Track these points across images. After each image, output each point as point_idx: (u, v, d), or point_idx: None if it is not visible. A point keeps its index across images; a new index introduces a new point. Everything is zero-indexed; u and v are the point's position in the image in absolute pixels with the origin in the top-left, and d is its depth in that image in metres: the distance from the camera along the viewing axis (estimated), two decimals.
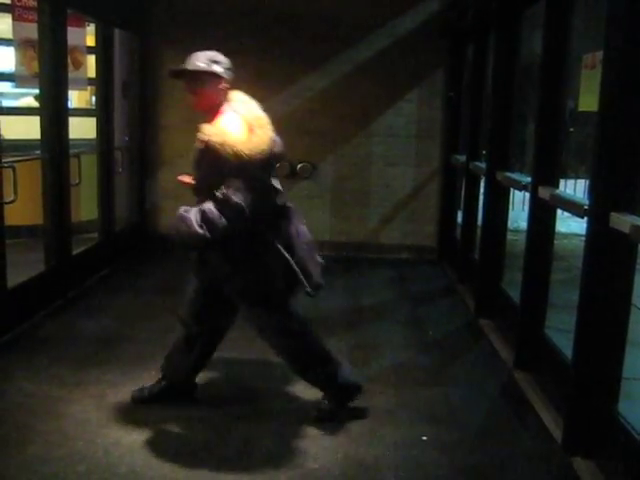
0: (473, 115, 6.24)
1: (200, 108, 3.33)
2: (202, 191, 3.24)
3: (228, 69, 3.34)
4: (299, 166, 7.27)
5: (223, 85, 3.31)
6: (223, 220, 3.10)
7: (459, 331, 5.15)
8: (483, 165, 5.59)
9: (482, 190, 5.96)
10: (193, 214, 3.13)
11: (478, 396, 3.96)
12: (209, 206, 3.11)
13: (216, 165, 3.13)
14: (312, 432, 3.43)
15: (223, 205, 3.09)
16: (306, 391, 3.76)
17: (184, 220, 3.13)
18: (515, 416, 3.73)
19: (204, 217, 3.10)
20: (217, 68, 3.29)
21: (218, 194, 3.10)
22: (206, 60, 3.30)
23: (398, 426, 3.53)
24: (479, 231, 5.79)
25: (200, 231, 3.10)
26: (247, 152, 3.09)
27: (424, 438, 3.41)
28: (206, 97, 3.30)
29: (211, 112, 3.30)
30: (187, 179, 3.35)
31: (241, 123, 3.19)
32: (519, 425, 3.62)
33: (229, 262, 3.31)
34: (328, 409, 3.57)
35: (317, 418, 3.54)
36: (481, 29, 5.94)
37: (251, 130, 3.19)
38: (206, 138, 3.17)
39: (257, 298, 3.41)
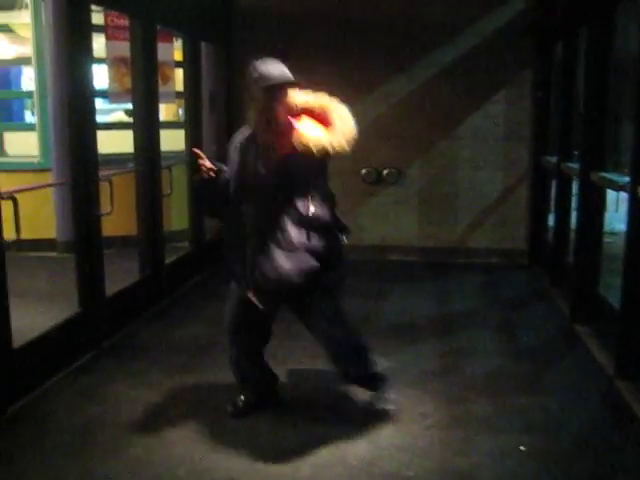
0: (564, 114, 6.06)
1: (283, 118, 3.28)
2: (275, 203, 3.22)
3: None
4: (385, 172, 7.24)
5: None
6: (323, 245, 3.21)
7: (554, 337, 4.98)
8: (576, 166, 5.41)
9: (574, 192, 5.79)
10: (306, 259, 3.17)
11: (577, 405, 3.82)
12: (315, 244, 3.19)
13: (308, 174, 3.19)
14: (405, 439, 3.40)
15: (317, 227, 3.20)
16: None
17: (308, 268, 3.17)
18: (617, 427, 3.58)
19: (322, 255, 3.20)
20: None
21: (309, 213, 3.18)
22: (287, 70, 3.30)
23: (494, 435, 3.45)
24: (572, 234, 5.62)
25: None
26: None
27: (522, 448, 3.32)
28: (287, 107, 3.29)
29: (286, 123, 3.27)
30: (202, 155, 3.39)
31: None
32: (622, 437, 3.46)
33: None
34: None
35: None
36: (571, 25, 5.76)
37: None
38: (320, 145, 3.15)
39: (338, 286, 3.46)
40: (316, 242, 3.21)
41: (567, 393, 3.98)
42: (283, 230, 3.19)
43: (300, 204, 3.21)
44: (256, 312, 3.41)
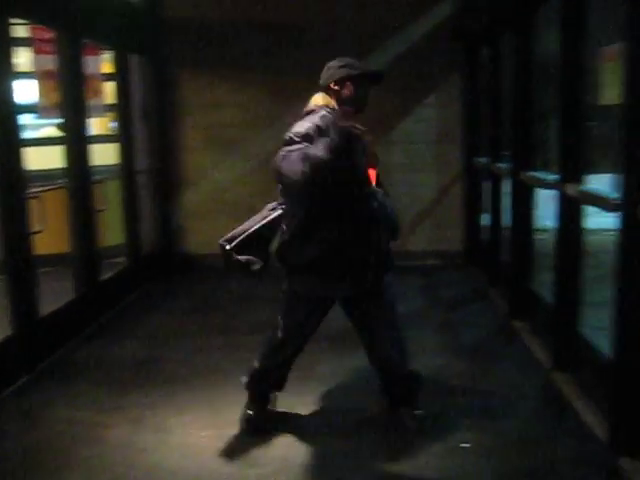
0: (492, 116, 6.20)
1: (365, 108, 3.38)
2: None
3: None
4: None
5: None
6: None
7: (493, 334, 5.09)
8: (506, 166, 5.54)
9: (506, 190, 5.92)
10: None
11: (517, 400, 3.90)
12: None
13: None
14: (348, 442, 3.40)
15: None
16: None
17: None
18: (557, 418, 3.67)
19: None
20: None
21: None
22: None
23: (438, 434, 3.49)
24: (505, 233, 5.75)
25: None
26: None
27: (465, 445, 3.37)
28: None
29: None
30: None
31: None
32: (561, 427, 3.55)
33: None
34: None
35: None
36: (496, 30, 5.91)
37: None
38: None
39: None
40: None
41: (507, 388, 4.07)
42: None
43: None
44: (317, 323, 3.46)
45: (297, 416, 3.74)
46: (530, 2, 4.76)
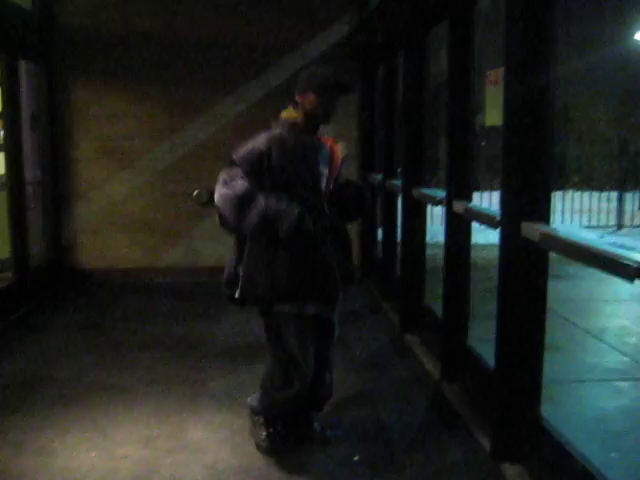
0: (387, 134, 6.36)
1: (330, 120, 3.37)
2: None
3: None
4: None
5: None
6: None
7: (385, 348, 5.18)
8: (399, 182, 5.68)
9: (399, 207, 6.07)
10: None
11: (407, 411, 3.99)
12: None
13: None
14: (242, 460, 3.38)
15: None
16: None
17: None
18: (444, 428, 3.77)
19: None
20: None
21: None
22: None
23: (330, 449, 3.51)
24: (399, 247, 5.88)
25: None
26: None
27: (355, 458, 3.41)
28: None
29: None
30: None
31: None
32: (448, 437, 3.66)
33: None
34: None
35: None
36: (390, 49, 6.07)
37: None
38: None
39: None
40: None
41: (398, 401, 4.15)
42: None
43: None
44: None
45: (189, 433, 3.67)
46: (421, 22, 4.92)
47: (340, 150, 3.37)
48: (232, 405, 4.00)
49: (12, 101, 6.13)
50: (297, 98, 3.26)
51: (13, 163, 6.12)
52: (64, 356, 4.95)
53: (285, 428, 3.51)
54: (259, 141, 3.19)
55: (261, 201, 3.07)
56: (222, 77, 7.11)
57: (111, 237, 7.30)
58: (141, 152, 7.22)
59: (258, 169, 3.13)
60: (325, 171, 3.29)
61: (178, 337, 5.36)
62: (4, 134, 6.28)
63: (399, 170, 6.10)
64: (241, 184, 3.10)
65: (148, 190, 7.24)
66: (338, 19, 7.26)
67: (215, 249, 7.26)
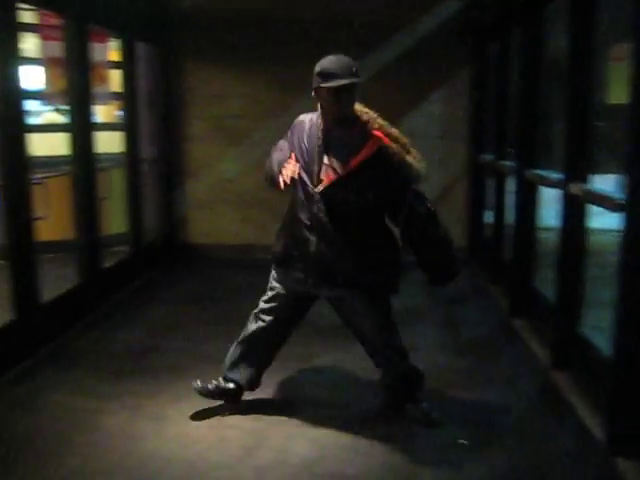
0: (499, 113, 6.18)
1: (346, 113, 3.29)
2: (354, 215, 3.29)
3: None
4: None
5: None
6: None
7: (493, 332, 5.07)
8: (511, 164, 5.52)
9: (510, 188, 5.90)
10: None
11: (516, 398, 3.89)
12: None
13: (385, 184, 3.25)
14: (347, 437, 3.40)
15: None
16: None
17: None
18: (554, 417, 3.66)
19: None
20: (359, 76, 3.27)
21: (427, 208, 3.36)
22: (356, 69, 3.30)
23: (436, 429, 3.49)
24: (508, 230, 5.73)
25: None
26: (422, 174, 3.27)
27: (463, 441, 3.37)
28: (353, 103, 3.32)
29: (347, 120, 3.30)
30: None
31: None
32: (559, 426, 3.55)
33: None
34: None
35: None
36: (504, 25, 5.88)
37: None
38: (387, 152, 3.19)
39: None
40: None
41: (506, 386, 4.06)
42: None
43: None
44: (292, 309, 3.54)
45: (297, 408, 3.74)
46: None
47: (369, 148, 3.20)
48: (337, 382, 4.04)
49: (130, 82, 6.37)
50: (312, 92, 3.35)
51: (130, 142, 6.37)
52: (174, 327, 5.14)
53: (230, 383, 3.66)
54: (294, 124, 3.51)
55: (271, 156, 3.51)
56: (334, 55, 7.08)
57: (222, 214, 7.49)
58: (252, 130, 7.33)
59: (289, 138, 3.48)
60: (334, 164, 3.24)
61: None
62: (122, 114, 6.54)
63: (510, 150, 5.93)
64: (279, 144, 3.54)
65: (257, 168, 7.31)
66: None
67: None
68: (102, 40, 6.46)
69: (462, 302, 5.88)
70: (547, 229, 7.48)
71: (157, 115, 7.21)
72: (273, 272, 3.59)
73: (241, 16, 7.15)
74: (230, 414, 3.63)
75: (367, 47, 7.06)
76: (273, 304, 3.55)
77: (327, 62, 3.30)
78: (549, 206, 8.02)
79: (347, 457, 3.23)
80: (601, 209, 3.60)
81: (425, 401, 3.63)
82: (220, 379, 3.65)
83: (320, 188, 3.25)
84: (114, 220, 6.65)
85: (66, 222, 5.41)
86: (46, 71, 6.33)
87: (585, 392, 3.80)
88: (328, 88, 3.20)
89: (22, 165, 4.38)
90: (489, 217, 6.54)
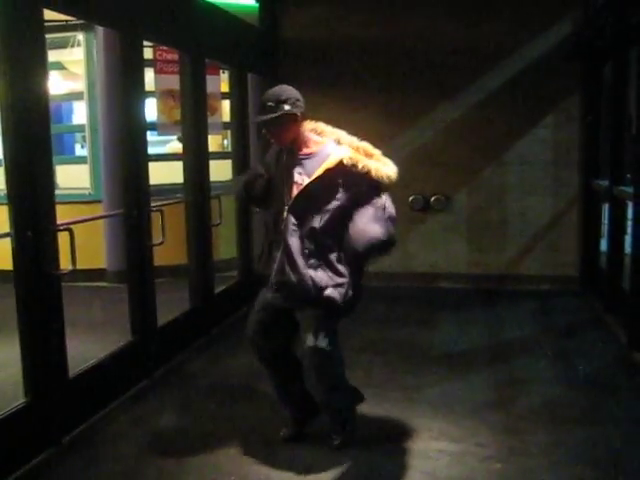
0: (615, 137, 5.95)
1: (285, 143, 3.44)
2: (320, 230, 3.31)
3: (296, 101, 3.47)
4: (432, 198, 7.21)
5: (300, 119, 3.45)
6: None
7: (612, 365, 4.84)
8: (629, 189, 5.30)
9: (628, 215, 5.67)
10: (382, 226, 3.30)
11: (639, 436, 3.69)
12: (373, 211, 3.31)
13: (353, 194, 3.29)
14: (462, 471, 3.32)
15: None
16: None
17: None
18: None
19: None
20: (286, 107, 3.40)
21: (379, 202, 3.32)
22: (274, 104, 3.40)
23: (554, 467, 3.35)
24: (626, 259, 5.49)
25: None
26: (393, 177, 3.34)
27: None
28: (285, 133, 3.42)
29: (297, 142, 3.43)
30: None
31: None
32: None
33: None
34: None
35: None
36: (621, 46, 5.69)
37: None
38: (349, 163, 3.28)
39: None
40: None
41: (629, 424, 3.85)
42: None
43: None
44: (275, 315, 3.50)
45: (410, 439, 3.68)
46: None
47: (330, 161, 3.28)
48: (449, 414, 3.96)
49: (241, 112, 6.57)
50: None
51: (240, 170, 6.54)
52: None
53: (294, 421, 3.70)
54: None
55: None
56: (439, 82, 7.08)
57: None
58: None
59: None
60: (300, 179, 3.33)
61: (393, 341, 5.40)
62: (232, 143, 6.74)
63: (628, 176, 5.69)
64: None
65: None
66: (558, 20, 6.94)
67: (429, 255, 7.28)
68: (215, 72, 6.70)
69: (576, 333, 5.66)
70: None
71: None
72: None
73: (347, 46, 7.24)
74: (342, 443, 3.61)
75: (476, 73, 7.02)
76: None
77: (264, 94, 3.51)
78: None
79: None
80: None
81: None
82: None
83: (288, 203, 3.31)
84: (225, 246, 6.83)
85: (180, 248, 5.59)
86: (160, 103, 6.62)
87: None
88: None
89: (143, 193, 4.57)
90: (604, 245, 6.29)
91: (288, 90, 3.48)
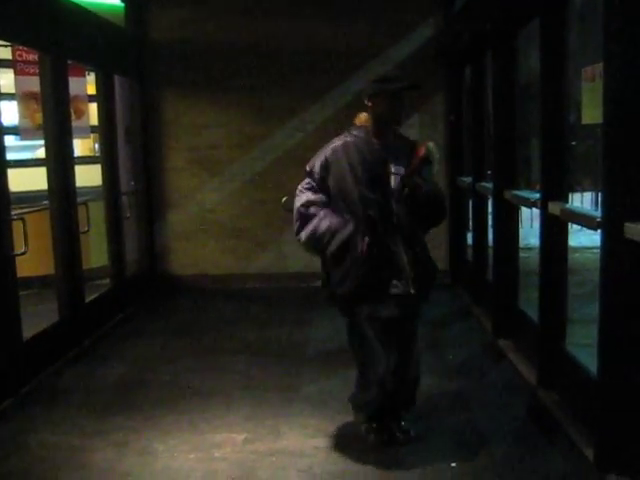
0: (475, 135, 6.26)
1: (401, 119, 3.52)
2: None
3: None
4: None
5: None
6: None
7: (479, 353, 5.09)
8: (490, 185, 5.58)
9: (490, 210, 5.97)
10: None
11: (504, 419, 3.89)
12: None
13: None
14: (338, 463, 3.38)
15: None
16: None
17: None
18: (544, 436, 3.66)
19: None
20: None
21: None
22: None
23: (426, 454, 3.47)
24: (490, 251, 5.77)
25: None
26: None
27: (453, 465, 3.36)
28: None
29: (385, 132, 3.45)
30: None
31: None
32: (549, 445, 3.55)
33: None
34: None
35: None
36: (477, 50, 5.98)
37: None
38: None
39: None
40: None
41: (494, 407, 4.07)
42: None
43: None
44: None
45: (285, 440, 3.71)
46: (510, 22, 4.83)
47: (423, 150, 3.36)
48: (326, 410, 4.02)
49: (108, 115, 6.38)
50: (365, 102, 3.43)
51: (109, 174, 6.37)
52: (161, 361, 5.08)
53: (379, 424, 3.56)
54: (326, 152, 3.43)
55: (314, 220, 3.36)
56: (308, 83, 7.17)
57: (202, 244, 7.47)
58: (230, 160, 7.37)
59: (324, 176, 3.39)
60: (400, 170, 3.36)
61: (270, 342, 5.43)
62: (100, 147, 6.54)
63: (489, 172, 6.00)
64: (305, 196, 3.42)
65: (237, 197, 7.38)
66: (423, 22, 7.22)
67: (304, 255, 7.32)
68: (80, 73, 6.47)
69: (446, 324, 5.89)
70: (528, 249, 7.59)
71: (135, 147, 7.21)
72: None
73: (216, 47, 7.20)
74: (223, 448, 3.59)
75: (344, 74, 7.16)
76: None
77: (383, 72, 3.53)
78: (529, 226, 8.15)
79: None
80: (578, 227, 3.65)
81: (406, 420, 3.64)
82: None
83: (406, 190, 3.32)
84: (95, 253, 6.61)
85: (47, 257, 5.36)
86: (21, 106, 6.31)
87: (573, 410, 3.81)
88: (386, 91, 3.33)
89: (2, 201, 4.34)
90: (472, 239, 6.59)
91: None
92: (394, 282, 3.35)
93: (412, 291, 3.35)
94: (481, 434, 3.70)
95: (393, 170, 3.37)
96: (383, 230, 3.33)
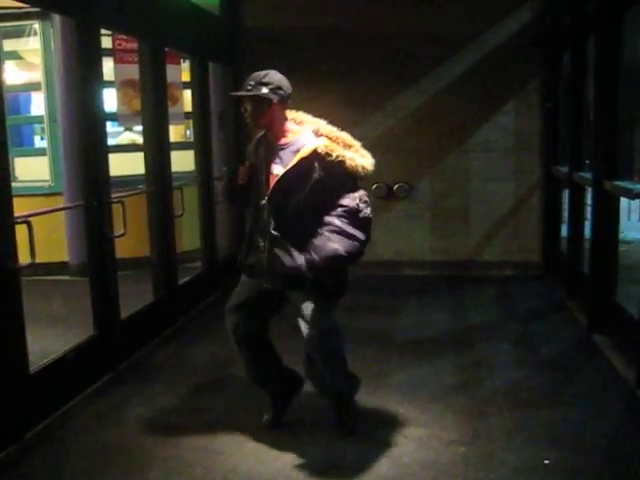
0: (575, 124, 6.03)
1: (258, 126, 3.45)
2: (300, 218, 3.30)
3: (277, 89, 3.35)
4: (396, 186, 7.23)
5: (277, 106, 3.36)
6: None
7: (573, 348, 4.93)
8: (588, 175, 5.38)
9: (587, 201, 5.76)
10: (336, 243, 3.27)
11: (600, 417, 3.76)
12: (340, 223, 3.27)
13: (328, 183, 3.25)
14: (428, 455, 3.35)
15: (354, 217, 3.31)
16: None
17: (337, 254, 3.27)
18: None
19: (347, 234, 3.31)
20: (264, 90, 3.31)
21: (351, 204, 3.29)
22: (254, 84, 3.34)
23: (518, 449, 3.40)
24: (586, 244, 5.58)
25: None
26: (368, 168, 3.35)
27: (546, 462, 3.27)
28: (259, 116, 3.38)
29: (273, 130, 3.41)
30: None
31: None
32: None
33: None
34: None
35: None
36: (578, 34, 5.76)
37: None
38: (323, 152, 3.24)
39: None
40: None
41: (589, 405, 3.93)
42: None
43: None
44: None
45: (374, 426, 3.71)
46: (616, 4, 4.62)
47: (304, 150, 3.26)
48: (414, 399, 3.99)
49: (202, 102, 6.50)
50: None
51: (202, 160, 6.49)
52: None
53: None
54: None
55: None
56: (402, 70, 7.10)
57: None
58: None
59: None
60: (277, 170, 3.34)
61: (360, 329, 5.41)
62: (194, 133, 6.67)
63: (587, 162, 5.78)
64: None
65: None
66: (519, 6, 7.01)
67: (393, 242, 7.31)
68: (176, 61, 6.62)
69: (538, 317, 5.75)
70: (625, 242, 7.29)
71: (228, 133, 7.32)
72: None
73: (310, 33, 7.20)
74: (308, 432, 3.62)
75: (438, 60, 7.05)
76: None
77: (252, 74, 3.44)
78: (625, 218, 7.82)
79: (429, 476, 3.17)
80: None
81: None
82: None
83: (267, 194, 3.32)
84: (188, 237, 6.77)
85: (143, 240, 5.53)
86: (120, 93, 6.52)
87: None
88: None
89: (103, 185, 4.50)
90: (566, 230, 6.38)
91: (273, 75, 3.39)
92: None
93: (265, 286, 3.47)
94: (576, 432, 3.59)
95: (273, 170, 3.35)
96: (255, 225, 3.44)
